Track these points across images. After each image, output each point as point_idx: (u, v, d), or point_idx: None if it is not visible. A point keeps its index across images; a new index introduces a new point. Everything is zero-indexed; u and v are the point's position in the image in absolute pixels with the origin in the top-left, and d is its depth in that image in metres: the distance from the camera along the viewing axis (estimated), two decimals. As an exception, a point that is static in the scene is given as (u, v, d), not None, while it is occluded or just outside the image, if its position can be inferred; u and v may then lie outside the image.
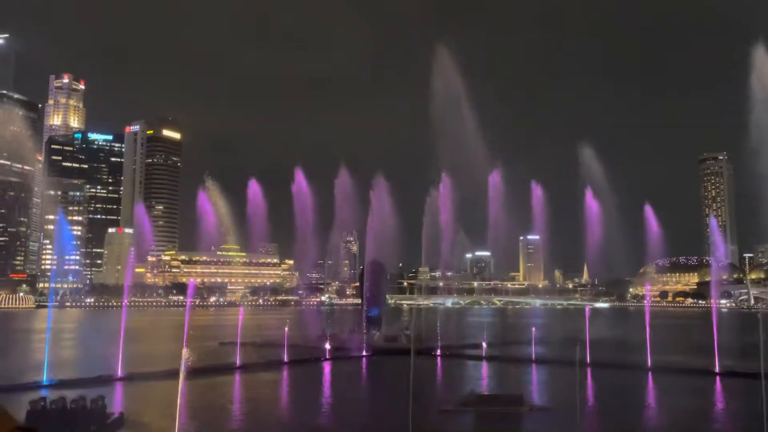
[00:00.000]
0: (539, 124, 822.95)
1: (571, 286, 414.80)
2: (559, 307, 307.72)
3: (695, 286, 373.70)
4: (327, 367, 61.35)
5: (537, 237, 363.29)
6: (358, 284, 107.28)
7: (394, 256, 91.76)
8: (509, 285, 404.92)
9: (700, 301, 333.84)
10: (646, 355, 56.18)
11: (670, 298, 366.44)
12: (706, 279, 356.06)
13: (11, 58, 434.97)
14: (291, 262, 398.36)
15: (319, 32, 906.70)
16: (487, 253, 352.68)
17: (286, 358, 60.72)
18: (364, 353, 68.65)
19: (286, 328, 64.13)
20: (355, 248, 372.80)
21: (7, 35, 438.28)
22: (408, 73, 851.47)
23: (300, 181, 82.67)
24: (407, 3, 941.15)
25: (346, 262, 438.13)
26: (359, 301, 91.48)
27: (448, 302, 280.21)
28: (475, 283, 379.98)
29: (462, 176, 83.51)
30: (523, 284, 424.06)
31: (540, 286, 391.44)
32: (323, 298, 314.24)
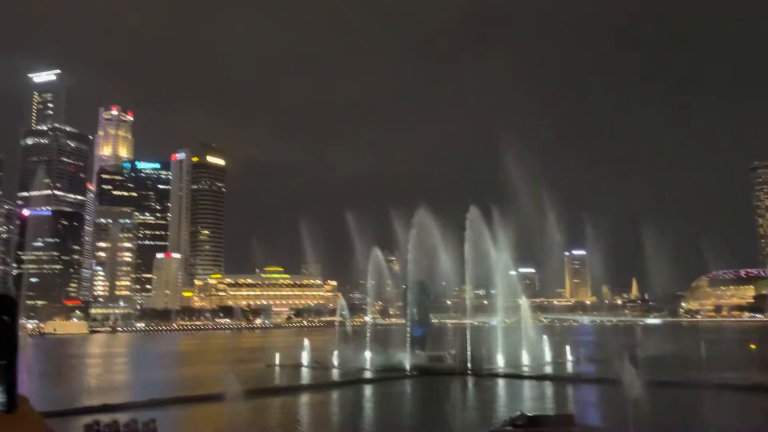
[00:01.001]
0: (585, 138, 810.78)
1: (620, 302, 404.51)
2: (608, 323, 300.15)
3: (752, 300, 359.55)
4: (372, 388, 61.10)
5: (583, 252, 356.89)
6: (401, 304, 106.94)
7: (437, 274, 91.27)
8: (556, 302, 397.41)
9: (757, 315, 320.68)
10: (704, 371, 54.08)
11: (725, 312, 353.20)
12: (763, 292, 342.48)
13: (63, 93, 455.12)
14: (334, 282, 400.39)
15: (350, 57, 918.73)
16: (531, 270, 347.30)
17: (332, 379, 60.78)
18: (409, 373, 68.18)
19: (336, 352, 64.18)
20: (397, 267, 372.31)
21: (59, 71, 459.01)
22: (445, 93, 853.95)
23: (347, 217, 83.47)
24: (439, 19, 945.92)
25: (389, 282, 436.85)
26: (403, 321, 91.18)
27: (494, 321, 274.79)
28: (521, 301, 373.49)
29: (506, 197, 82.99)
30: (570, 301, 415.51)
31: (588, 302, 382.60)
32: (367, 318, 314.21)
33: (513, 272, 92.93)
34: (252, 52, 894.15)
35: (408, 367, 69.98)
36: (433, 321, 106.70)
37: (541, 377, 64.69)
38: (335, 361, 73.67)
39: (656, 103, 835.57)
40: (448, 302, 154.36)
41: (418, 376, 67.01)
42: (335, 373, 61.94)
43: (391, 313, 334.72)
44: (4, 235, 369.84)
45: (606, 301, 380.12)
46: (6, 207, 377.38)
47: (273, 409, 48.47)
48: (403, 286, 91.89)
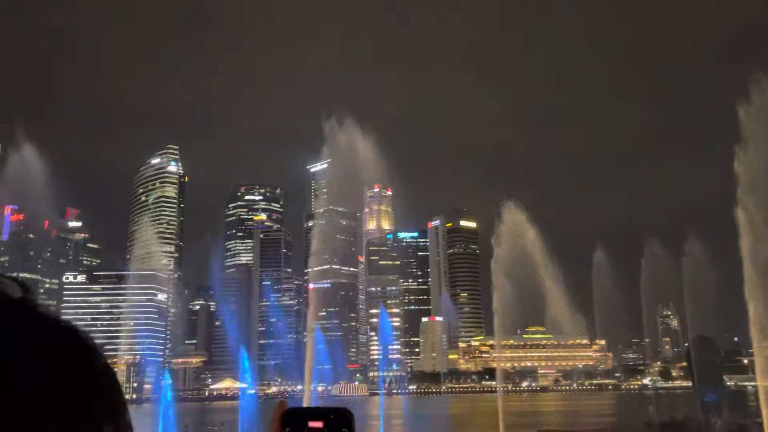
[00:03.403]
0: None
1: None
2: None
3: None
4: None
5: None
6: (685, 364, 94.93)
7: (725, 328, 79.47)
8: None
9: None
10: None
11: None
12: None
13: (334, 179, 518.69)
14: (603, 342, 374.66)
15: (601, 102, 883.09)
16: None
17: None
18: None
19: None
20: (675, 323, 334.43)
21: (329, 159, 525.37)
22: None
23: (600, 258, 78.47)
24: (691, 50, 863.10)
25: (667, 339, 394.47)
26: (689, 383, 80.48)
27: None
28: None
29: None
30: None
31: None
32: (646, 381, 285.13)
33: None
34: (473, 117, 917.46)
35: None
36: (728, 383, 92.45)
37: None
38: (613, 428, 67.61)
39: None
40: (745, 361, 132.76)
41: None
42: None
43: (674, 374, 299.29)
44: (296, 308, 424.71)
45: None
46: (296, 282, 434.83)
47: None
48: (685, 344, 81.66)
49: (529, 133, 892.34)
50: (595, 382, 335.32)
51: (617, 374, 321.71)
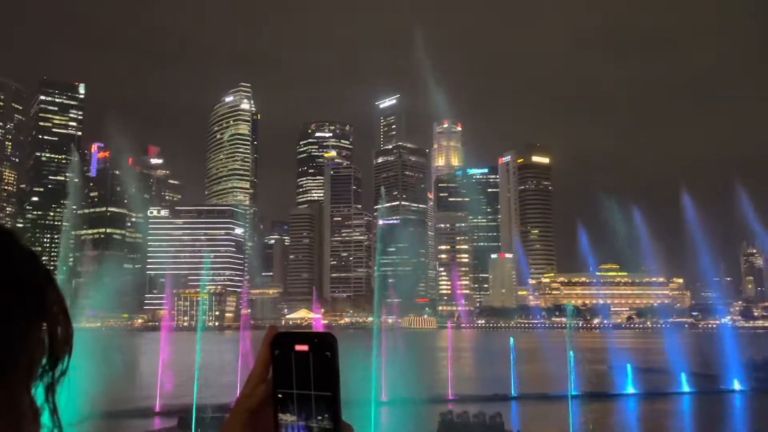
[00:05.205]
0: None
1: None
2: None
3: None
4: (740, 399, 53.05)
5: None
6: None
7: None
8: None
9: None
10: None
11: None
12: None
13: (403, 115, 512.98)
14: (680, 280, 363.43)
15: (692, 29, 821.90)
16: None
17: (686, 388, 54.79)
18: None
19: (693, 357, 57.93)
20: (760, 262, 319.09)
21: (398, 95, 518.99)
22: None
23: (684, 196, 74.73)
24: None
25: (750, 278, 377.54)
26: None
27: None
28: None
29: None
30: None
31: None
32: (724, 320, 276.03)
33: None
34: (561, 46, 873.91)
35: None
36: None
37: None
38: (690, 367, 66.26)
39: None
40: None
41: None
42: (691, 381, 55.63)
43: (756, 314, 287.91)
44: (366, 243, 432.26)
45: None
46: (366, 218, 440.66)
47: (618, 413, 45.86)
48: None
49: (620, 63, 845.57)
50: (670, 320, 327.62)
51: (695, 312, 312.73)
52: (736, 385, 56.86)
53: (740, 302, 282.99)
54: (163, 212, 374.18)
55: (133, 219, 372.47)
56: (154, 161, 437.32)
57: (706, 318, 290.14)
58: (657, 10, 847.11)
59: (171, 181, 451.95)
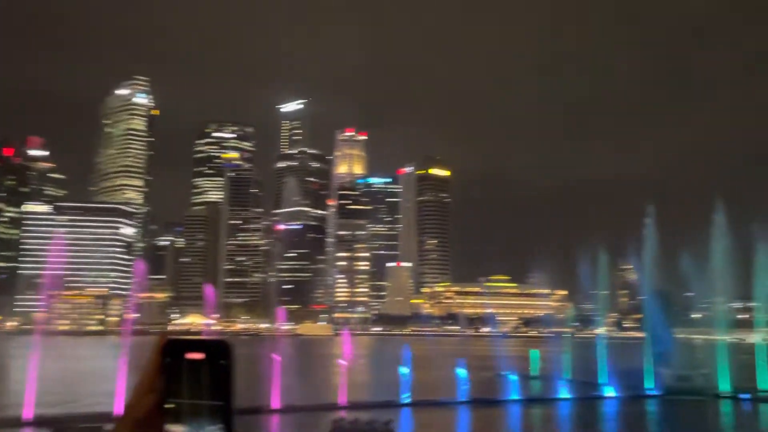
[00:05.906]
0: None
1: None
2: None
3: None
4: (612, 405, 57.06)
5: None
6: (640, 316, 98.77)
7: (679, 284, 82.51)
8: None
9: None
10: None
11: None
12: None
13: (308, 120, 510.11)
14: (564, 292, 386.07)
15: (583, 58, 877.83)
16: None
17: (566, 394, 58.19)
18: (653, 392, 62.42)
19: (568, 365, 61.59)
20: (633, 276, 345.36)
21: (304, 100, 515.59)
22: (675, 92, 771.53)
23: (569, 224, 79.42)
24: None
25: (625, 291, 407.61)
26: (641, 334, 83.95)
27: (757, 337, 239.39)
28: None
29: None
30: None
31: None
32: (599, 330, 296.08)
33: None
34: (475, 59, 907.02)
35: (652, 385, 64.10)
36: (679, 336, 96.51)
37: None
38: (568, 375, 70.49)
39: None
40: (694, 316, 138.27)
41: (663, 396, 61.02)
42: (570, 387, 59.19)
43: (626, 325, 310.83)
44: (264, 248, 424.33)
45: None
46: (265, 223, 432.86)
47: (503, 418, 47.90)
48: (642, 297, 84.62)
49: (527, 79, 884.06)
50: (552, 330, 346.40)
51: (576, 323, 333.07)
52: (610, 392, 61.11)
53: (615, 314, 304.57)
54: (44, 208, 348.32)
55: (9, 214, 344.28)
56: (35, 153, 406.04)
57: (585, 328, 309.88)
58: (543, 36, 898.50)
59: (55, 175, 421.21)
